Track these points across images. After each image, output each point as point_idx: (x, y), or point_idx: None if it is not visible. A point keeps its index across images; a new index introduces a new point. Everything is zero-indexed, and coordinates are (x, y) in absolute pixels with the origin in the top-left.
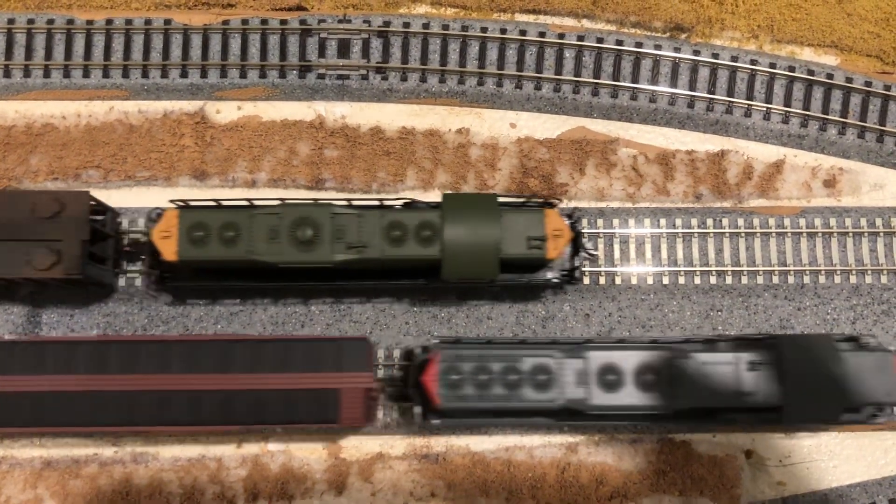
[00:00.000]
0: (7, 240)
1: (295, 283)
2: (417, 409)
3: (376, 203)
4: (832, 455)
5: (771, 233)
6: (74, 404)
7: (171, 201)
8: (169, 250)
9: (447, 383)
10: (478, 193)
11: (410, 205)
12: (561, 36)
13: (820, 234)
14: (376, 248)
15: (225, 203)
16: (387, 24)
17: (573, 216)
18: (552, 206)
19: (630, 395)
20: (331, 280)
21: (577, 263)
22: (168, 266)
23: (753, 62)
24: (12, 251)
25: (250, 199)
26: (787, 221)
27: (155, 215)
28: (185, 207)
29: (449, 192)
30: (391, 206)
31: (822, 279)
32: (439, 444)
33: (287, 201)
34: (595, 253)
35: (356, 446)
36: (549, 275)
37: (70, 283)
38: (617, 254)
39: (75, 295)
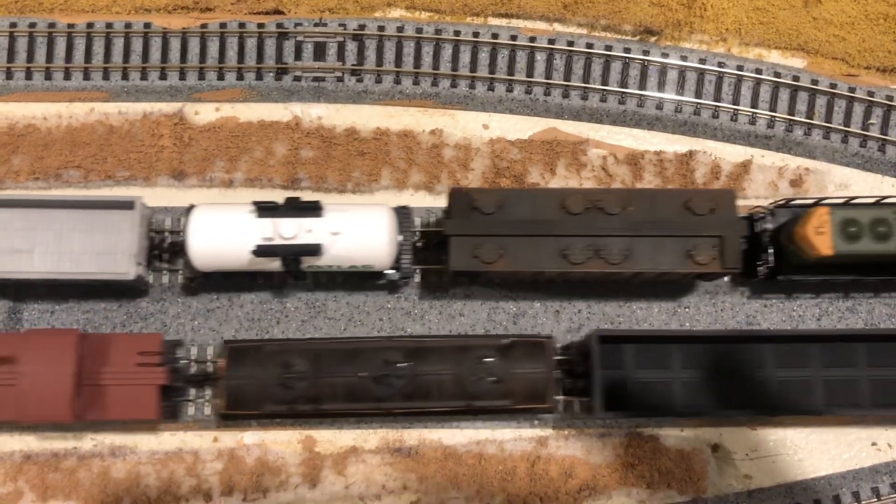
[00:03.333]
0: (666, 235)
1: None
2: None
3: None
4: (797, 449)
5: None
6: None
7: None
8: (824, 245)
9: None
10: None
11: None
12: (532, 39)
13: None
14: None
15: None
16: (362, 27)
17: None
18: None
19: None
20: None
21: None
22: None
23: (721, 64)
24: (671, 246)
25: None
26: None
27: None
28: (836, 205)
29: None
30: None
31: None
32: (412, 437)
33: None
34: None
35: (330, 440)
36: None
37: (716, 275)
38: None
39: (55, 292)
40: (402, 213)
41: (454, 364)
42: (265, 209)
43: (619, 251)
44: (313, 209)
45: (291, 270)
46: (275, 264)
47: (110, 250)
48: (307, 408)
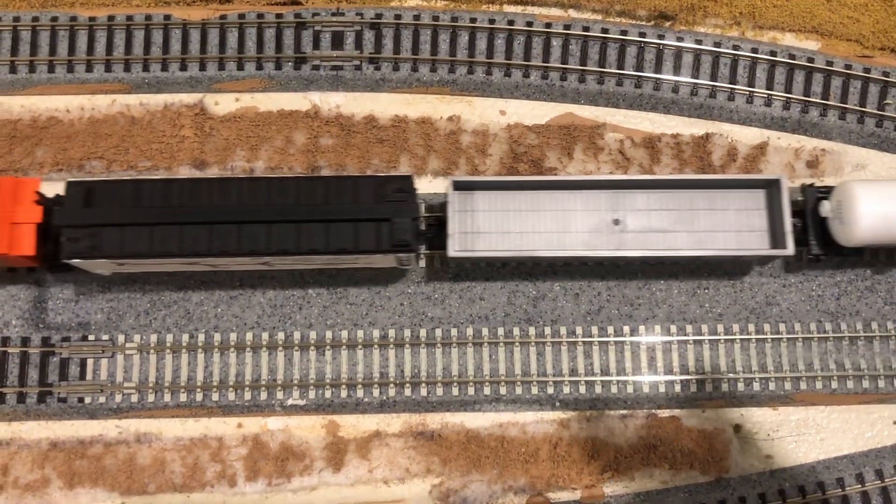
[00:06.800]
0: None
1: None
2: None
3: None
4: (819, 429)
5: None
6: None
7: None
8: None
9: None
10: None
11: None
12: (548, 25)
13: None
14: None
15: None
16: (379, 16)
17: None
18: None
19: None
20: None
21: None
22: None
23: (736, 47)
24: None
25: None
26: None
27: None
28: None
29: None
30: None
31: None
32: (434, 421)
33: None
34: None
35: (353, 425)
36: None
37: None
38: None
39: (80, 281)
40: None
41: None
42: None
43: None
44: None
45: None
46: None
47: (749, 228)
48: None
